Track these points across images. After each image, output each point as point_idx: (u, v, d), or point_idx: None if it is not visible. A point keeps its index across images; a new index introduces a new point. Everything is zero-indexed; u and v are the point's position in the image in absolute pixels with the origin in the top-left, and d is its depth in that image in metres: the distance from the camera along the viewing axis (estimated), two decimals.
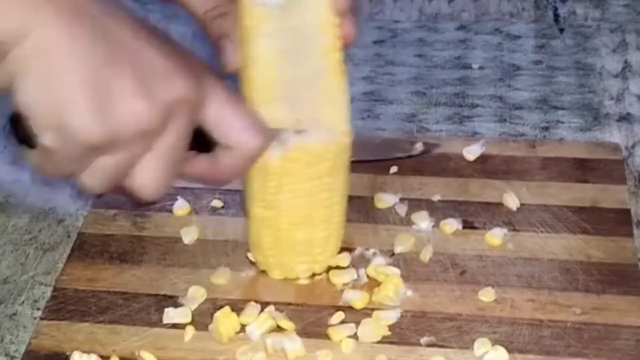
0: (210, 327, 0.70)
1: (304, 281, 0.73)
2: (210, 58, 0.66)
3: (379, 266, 0.74)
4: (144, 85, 0.55)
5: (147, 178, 0.59)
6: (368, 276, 0.73)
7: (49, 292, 0.75)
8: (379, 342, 0.69)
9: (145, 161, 0.58)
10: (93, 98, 0.53)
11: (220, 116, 0.61)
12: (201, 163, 0.63)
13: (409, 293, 0.72)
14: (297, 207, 0.70)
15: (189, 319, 0.71)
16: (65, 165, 0.56)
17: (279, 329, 0.70)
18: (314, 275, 0.74)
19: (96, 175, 0.58)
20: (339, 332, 0.69)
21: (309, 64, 0.67)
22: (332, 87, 0.68)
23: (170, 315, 0.71)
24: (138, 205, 0.63)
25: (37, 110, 0.53)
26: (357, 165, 0.83)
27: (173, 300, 0.73)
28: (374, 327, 0.69)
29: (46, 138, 0.54)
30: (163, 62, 0.57)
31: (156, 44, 0.57)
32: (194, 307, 0.72)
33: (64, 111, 0.53)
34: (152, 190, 0.60)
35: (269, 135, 0.64)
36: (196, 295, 0.72)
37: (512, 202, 0.79)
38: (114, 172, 0.58)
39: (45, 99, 0.53)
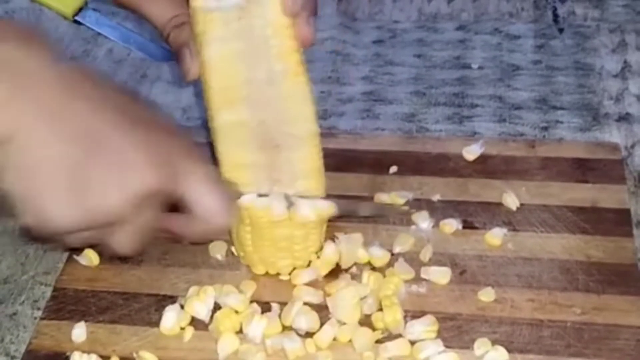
0: (210, 327, 0.71)
1: (284, 277, 0.74)
2: None
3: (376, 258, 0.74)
4: (117, 178, 0.60)
5: (121, 244, 0.65)
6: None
7: (49, 292, 0.75)
8: (379, 341, 0.69)
9: (120, 232, 0.64)
10: (69, 189, 0.59)
11: (194, 194, 0.65)
12: (173, 223, 0.68)
13: (409, 292, 0.72)
14: None
15: (187, 322, 0.71)
16: (45, 236, 0.62)
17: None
18: (294, 269, 0.74)
19: (74, 242, 0.64)
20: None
21: (266, 65, 0.68)
22: (294, 87, 0.68)
23: (169, 316, 0.71)
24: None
25: (17, 198, 0.59)
26: (357, 165, 0.84)
27: (173, 300, 0.73)
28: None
29: (26, 219, 0.60)
30: (137, 155, 0.61)
31: (135, 133, 0.61)
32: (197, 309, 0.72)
33: (41, 200, 0.59)
34: (127, 252, 0.66)
35: (233, 214, 0.68)
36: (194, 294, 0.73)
37: (511, 202, 0.79)
38: (90, 241, 0.65)
39: (25, 188, 0.59)
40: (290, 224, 0.71)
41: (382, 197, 0.80)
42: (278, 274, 0.74)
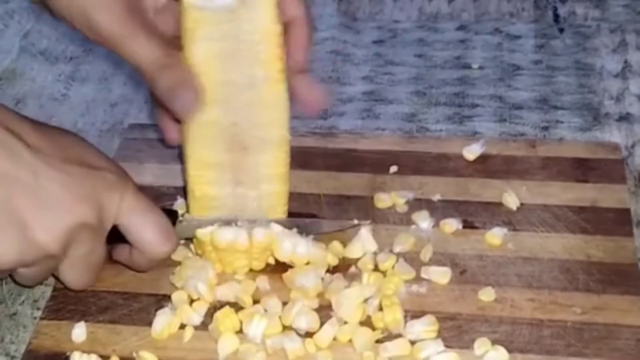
0: (210, 327, 0.70)
1: (239, 277, 0.74)
2: None
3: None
4: (42, 216, 0.63)
5: (69, 277, 0.68)
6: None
7: (49, 292, 0.75)
8: (379, 341, 0.69)
9: (64, 266, 0.67)
10: (1, 229, 0.62)
11: (129, 225, 0.68)
12: (120, 254, 0.71)
13: (409, 292, 0.72)
14: None
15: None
16: None
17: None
18: (251, 271, 0.74)
19: (26, 278, 0.68)
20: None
21: (249, 70, 0.68)
22: (273, 94, 0.69)
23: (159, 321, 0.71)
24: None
25: None
26: (358, 165, 0.83)
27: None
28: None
29: None
30: (60, 191, 0.64)
31: (54, 171, 0.64)
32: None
33: None
34: (79, 285, 0.70)
35: (175, 241, 0.71)
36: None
37: (512, 201, 0.79)
38: (35, 278, 0.68)
39: None
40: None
41: (383, 197, 0.80)
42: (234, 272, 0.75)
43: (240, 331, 0.70)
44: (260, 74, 0.68)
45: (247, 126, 0.70)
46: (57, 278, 0.70)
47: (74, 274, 0.68)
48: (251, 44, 0.67)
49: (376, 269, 0.74)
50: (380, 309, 0.70)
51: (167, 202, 0.80)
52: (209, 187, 0.73)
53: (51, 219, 0.64)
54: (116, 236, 0.69)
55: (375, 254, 0.75)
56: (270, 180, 0.73)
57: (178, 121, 0.71)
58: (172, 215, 0.73)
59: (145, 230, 0.68)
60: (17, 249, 0.63)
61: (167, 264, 0.75)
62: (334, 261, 0.74)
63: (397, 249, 0.75)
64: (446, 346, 0.68)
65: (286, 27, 0.69)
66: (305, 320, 0.69)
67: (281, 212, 0.75)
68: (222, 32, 0.67)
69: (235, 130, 0.70)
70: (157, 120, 0.75)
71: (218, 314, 0.70)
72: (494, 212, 0.78)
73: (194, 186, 0.73)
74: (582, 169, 0.82)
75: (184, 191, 0.77)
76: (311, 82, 0.71)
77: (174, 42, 0.69)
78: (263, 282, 0.73)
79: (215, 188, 0.73)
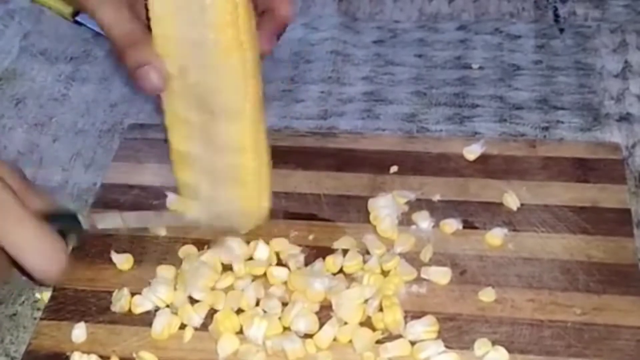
0: (210, 327, 0.70)
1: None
2: None
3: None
4: None
5: None
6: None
7: (49, 292, 0.75)
8: (380, 342, 0.69)
9: None
10: None
11: (16, 253, 0.64)
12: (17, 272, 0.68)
13: (409, 293, 0.72)
14: None
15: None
16: None
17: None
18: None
19: None
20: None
21: (199, 29, 0.66)
22: (225, 61, 0.67)
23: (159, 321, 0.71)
24: None
25: None
26: (358, 165, 0.83)
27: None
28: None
29: None
30: None
31: None
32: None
33: None
34: None
35: (61, 262, 0.66)
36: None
37: (512, 202, 0.79)
38: None
39: None
40: None
41: (383, 197, 0.80)
42: None
43: (240, 332, 0.70)
44: (211, 36, 0.66)
45: (208, 89, 0.69)
46: None
47: None
48: (201, 4, 0.66)
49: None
50: (381, 309, 0.70)
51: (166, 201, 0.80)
52: (183, 142, 0.72)
53: None
54: None
55: (381, 256, 0.75)
56: (236, 151, 0.71)
57: None
58: (71, 221, 0.70)
59: (34, 258, 0.65)
60: None
61: (167, 263, 0.76)
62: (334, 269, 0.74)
63: (398, 250, 0.75)
64: (446, 347, 0.68)
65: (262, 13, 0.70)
66: (304, 322, 0.69)
67: (252, 189, 0.73)
68: None
69: (199, 91, 0.69)
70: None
71: (218, 315, 0.70)
72: (494, 213, 0.78)
73: (172, 139, 0.73)
74: (583, 169, 0.82)
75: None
76: None
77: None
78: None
79: (189, 144, 0.72)
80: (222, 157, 0.72)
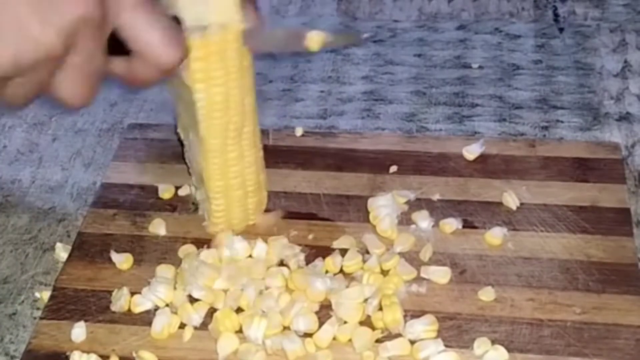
0: (210, 327, 0.70)
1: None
2: None
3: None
4: (39, 10, 0.55)
5: (67, 90, 0.60)
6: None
7: (48, 291, 0.75)
8: (379, 341, 0.69)
9: (62, 76, 0.59)
10: None
11: (132, 27, 0.60)
12: (119, 67, 0.63)
13: (409, 292, 0.72)
14: None
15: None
16: None
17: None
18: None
19: (14, 94, 0.59)
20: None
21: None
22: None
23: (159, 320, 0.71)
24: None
25: None
26: (357, 164, 0.83)
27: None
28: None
29: None
30: None
31: None
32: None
33: None
34: (77, 100, 0.61)
35: (183, 48, 0.63)
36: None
37: (511, 201, 0.79)
38: (31, 90, 0.59)
39: None
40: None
41: (383, 196, 0.80)
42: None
43: (240, 331, 0.70)
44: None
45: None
46: (51, 99, 0.62)
47: (71, 86, 0.60)
48: None
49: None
50: (380, 308, 0.70)
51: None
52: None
53: (50, 12, 0.56)
54: (117, 49, 0.62)
55: (380, 255, 0.75)
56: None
57: None
58: (180, 23, 0.65)
59: (150, 31, 0.61)
60: (14, 49, 0.56)
61: (167, 263, 0.76)
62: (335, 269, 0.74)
63: (397, 249, 0.75)
64: (446, 346, 0.68)
65: None
66: (304, 322, 0.69)
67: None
68: None
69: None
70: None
71: (218, 314, 0.70)
72: (493, 212, 0.78)
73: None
74: (582, 169, 0.82)
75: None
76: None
77: None
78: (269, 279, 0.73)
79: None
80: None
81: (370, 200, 0.79)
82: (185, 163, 0.79)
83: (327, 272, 0.73)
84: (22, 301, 0.75)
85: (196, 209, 0.80)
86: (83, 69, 0.60)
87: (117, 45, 0.61)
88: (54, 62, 0.58)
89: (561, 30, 1.01)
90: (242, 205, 0.77)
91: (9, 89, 0.59)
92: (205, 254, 0.75)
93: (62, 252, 0.78)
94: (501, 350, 0.67)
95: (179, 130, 0.77)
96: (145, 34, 0.61)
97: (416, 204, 0.79)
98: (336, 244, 0.76)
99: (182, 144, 0.78)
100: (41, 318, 0.72)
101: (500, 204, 0.79)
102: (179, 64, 0.63)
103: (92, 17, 0.57)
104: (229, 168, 0.74)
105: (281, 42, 0.71)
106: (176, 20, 0.64)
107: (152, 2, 0.61)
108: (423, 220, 0.78)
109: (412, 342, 0.68)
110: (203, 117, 0.71)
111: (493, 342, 0.68)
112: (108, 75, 0.63)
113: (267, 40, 0.70)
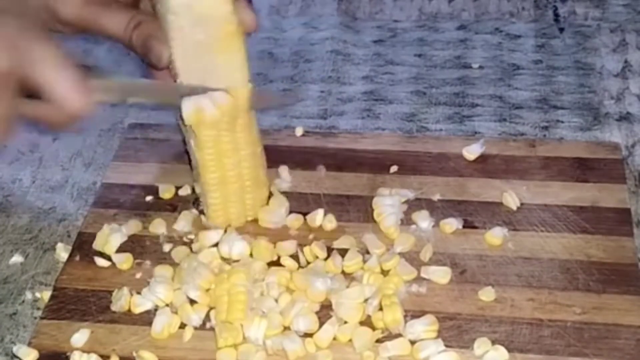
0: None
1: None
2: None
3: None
4: None
5: None
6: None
7: (49, 291, 0.75)
8: (379, 341, 0.69)
9: None
10: None
11: (43, 77, 0.65)
12: (32, 110, 0.68)
13: (409, 292, 0.72)
14: None
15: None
16: None
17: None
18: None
19: None
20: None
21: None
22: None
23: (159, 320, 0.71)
24: None
25: None
26: (358, 164, 0.83)
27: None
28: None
29: None
30: None
31: None
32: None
33: None
34: None
35: (89, 97, 0.67)
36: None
37: (512, 201, 0.79)
38: None
39: None
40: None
41: (383, 196, 0.80)
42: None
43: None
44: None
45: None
46: None
47: None
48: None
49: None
50: (380, 308, 0.70)
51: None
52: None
53: None
54: (33, 93, 0.67)
55: (381, 255, 0.75)
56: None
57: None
58: (90, 70, 0.71)
59: (59, 82, 0.66)
60: None
61: (167, 263, 0.76)
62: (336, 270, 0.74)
63: (398, 249, 0.75)
64: (446, 346, 0.68)
65: None
66: (304, 322, 0.69)
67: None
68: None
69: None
70: (149, 74, 0.76)
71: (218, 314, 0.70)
72: (494, 212, 0.78)
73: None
74: (582, 169, 0.82)
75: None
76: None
77: (137, 2, 0.73)
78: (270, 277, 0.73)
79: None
80: None
81: (376, 199, 0.79)
82: (188, 157, 0.79)
83: (328, 272, 0.73)
84: (23, 301, 0.75)
85: (197, 203, 0.80)
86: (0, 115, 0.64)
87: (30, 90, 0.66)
88: None
89: (561, 30, 1.01)
90: (239, 199, 0.77)
91: None
92: (205, 254, 0.75)
93: (62, 252, 0.78)
94: (501, 350, 0.67)
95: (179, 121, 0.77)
96: (53, 84, 0.66)
97: (416, 204, 0.79)
98: (336, 244, 0.76)
99: (184, 141, 0.78)
100: (41, 318, 0.73)
101: (500, 204, 0.79)
102: (85, 110, 0.68)
103: (13, 73, 0.63)
104: (224, 159, 0.74)
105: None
106: (86, 68, 0.69)
107: (61, 52, 0.66)
108: (423, 220, 0.78)
109: (412, 342, 0.68)
110: None
111: (493, 342, 0.68)
112: (23, 117, 0.68)
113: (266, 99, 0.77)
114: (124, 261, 0.76)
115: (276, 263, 0.75)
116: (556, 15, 1.03)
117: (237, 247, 0.75)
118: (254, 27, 0.72)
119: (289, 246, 0.76)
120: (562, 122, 0.89)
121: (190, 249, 0.77)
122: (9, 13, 0.64)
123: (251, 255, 0.75)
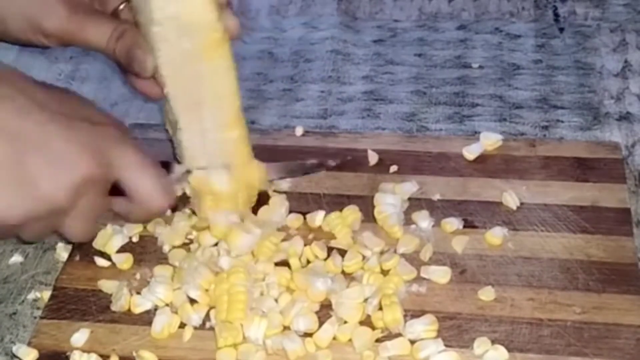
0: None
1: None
2: None
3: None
4: (53, 170, 0.65)
5: (72, 230, 0.70)
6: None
7: (49, 291, 0.75)
8: (379, 340, 0.69)
9: (68, 221, 0.68)
10: (9, 185, 0.64)
11: (128, 180, 0.70)
12: (118, 206, 0.73)
13: (409, 292, 0.72)
14: None
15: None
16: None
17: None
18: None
19: (29, 234, 0.68)
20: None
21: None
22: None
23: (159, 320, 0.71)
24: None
25: None
26: (357, 164, 0.83)
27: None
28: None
29: None
30: (67, 146, 0.66)
31: (60, 127, 0.66)
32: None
33: None
34: (80, 237, 0.72)
35: (170, 194, 0.74)
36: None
37: (512, 201, 0.79)
38: (44, 232, 0.69)
39: None
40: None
41: (384, 192, 0.80)
42: None
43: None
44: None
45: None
46: (58, 233, 0.71)
47: (78, 227, 0.70)
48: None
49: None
50: (380, 308, 0.70)
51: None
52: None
53: (59, 174, 0.65)
54: (116, 189, 0.71)
55: (381, 253, 0.75)
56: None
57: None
58: (169, 167, 0.75)
59: (143, 184, 0.71)
60: (26, 205, 0.65)
61: (167, 263, 0.76)
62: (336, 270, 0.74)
63: (400, 250, 0.75)
64: (446, 345, 0.68)
65: None
66: (304, 322, 0.69)
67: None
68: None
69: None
70: (132, 85, 0.77)
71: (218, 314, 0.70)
72: (494, 212, 0.78)
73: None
74: (582, 169, 0.82)
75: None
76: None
77: (118, 13, 0.76)
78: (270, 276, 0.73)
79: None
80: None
81: (377, 196, 0.79)
82: (173, 147, 0.79)
83: (328, 272, 0.73)
84: (23, 301, 0.75)
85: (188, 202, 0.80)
86: (87, 215, 0.69)
87: (116, 187, 0.71)
88: (61, 214, 0.67)
89: (561, 30, 1.01)
90: (230, 197, 0.77)
91: (21, 231, 0.68)
92: (204, 254, 0.75)
93: (62, 252, 0.78)
94: (501, 350, 0.67)
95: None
96: (139, 188, 0.71)
97: (416, 204, 0.79)
98: (334, 243, 0.76)
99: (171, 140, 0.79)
100: (41, 318, 0.73)
101: (500, 203, 0.79)
102: (167, 209, 0.74)
103: (96, 176, 0.67)
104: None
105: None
106: (166, 167, 0.75)
107: (146, 157, 0.71)
108: (423, 220, 0.78)
109: (412, 342, 0.68)
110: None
111: (493, 341, 0.68)
112: (108, 211, 0.73)
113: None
114: (124, 261, 0.76)
115: (276, 263, 0.75)
116: (556, 15, 1.03)
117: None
118: (238, 33, 0.74)
119: (295, 245, 0.76)
120: (562, 121, 0.89)
121: (190, 249, 0.77)
122: (81, 118, 0.68)
123: (253, 254, 0.75)
